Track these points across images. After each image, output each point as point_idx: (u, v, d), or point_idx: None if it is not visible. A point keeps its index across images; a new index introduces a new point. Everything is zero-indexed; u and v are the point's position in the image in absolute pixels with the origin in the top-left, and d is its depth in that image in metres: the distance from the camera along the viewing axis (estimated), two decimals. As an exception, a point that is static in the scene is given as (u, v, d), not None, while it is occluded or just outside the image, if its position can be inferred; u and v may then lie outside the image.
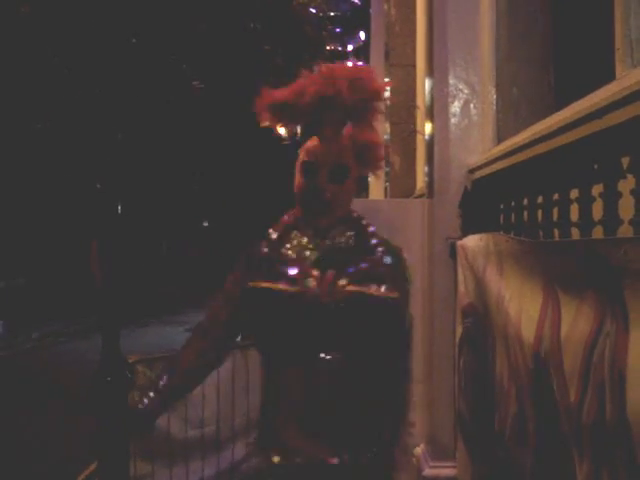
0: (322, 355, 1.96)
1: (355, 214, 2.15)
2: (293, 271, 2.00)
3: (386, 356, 2.07)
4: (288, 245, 2.09)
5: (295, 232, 2.11)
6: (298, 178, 2.04)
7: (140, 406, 2.14)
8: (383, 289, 1.98)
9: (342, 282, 1.96)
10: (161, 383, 2.16)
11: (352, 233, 2.10)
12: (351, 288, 1.95)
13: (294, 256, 2.05)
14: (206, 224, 28.11)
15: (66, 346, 14.14)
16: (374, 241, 2.09)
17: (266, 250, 2.09)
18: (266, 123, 2.11)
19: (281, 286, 1.97)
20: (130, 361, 4.40)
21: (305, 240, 2.08)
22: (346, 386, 1.98)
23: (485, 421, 2.55)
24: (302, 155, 2.07)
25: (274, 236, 2.12)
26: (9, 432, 7.11)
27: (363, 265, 2.00)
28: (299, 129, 2.19)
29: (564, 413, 1.62)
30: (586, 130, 1.86)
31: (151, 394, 2.14)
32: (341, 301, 1.94)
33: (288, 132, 2.27)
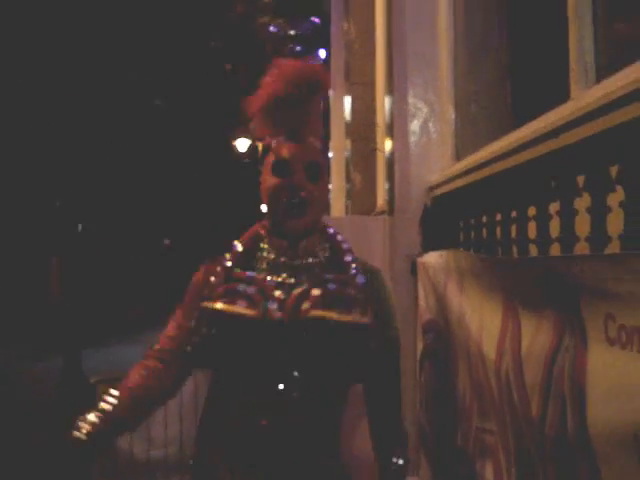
0: (280, 387, 1.82)
1: (331, 229, 2.04)
2: (252, 290, 1.83)
3: (354, 384, 1.98)
4: (253, 260, 1.95)
5: (263, 244, 1.97)
6: (269, 180, 1.89)
7: (81, 431, 1.82)
8: (353, 314, 1.83)
9: (306, 305, 1.81)
10: (104, 406, 1.88)
11: (326, 246, 1.99)
12: (316, 313, 1.80)
13: (256, 273, 1.89)
14: (167, 242, 27.93)
15: (26, 367, 13.91)
16: (348, 258, 1.96)
17: (229, 264, 1.92)
18: (262, 135, 1.97)
19: (238, 308, 1.81)
20: (92, 381, 4.35)
21: (273, 255, 1.94)
22: (303, 422, 1.85)
23: (447, 437, 2.57)
24: (273, 155, 1.91)
25: (239, 249, 1.97)
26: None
27: (332, 287, 1.85)
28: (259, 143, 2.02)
29: (526, 427, 1.65)
30: (543, 149, 1.91)
31: (93, 418, 1.85)
32: (303, 327, 1.80)
33: (252, 147, 2.32)
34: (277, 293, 1.86)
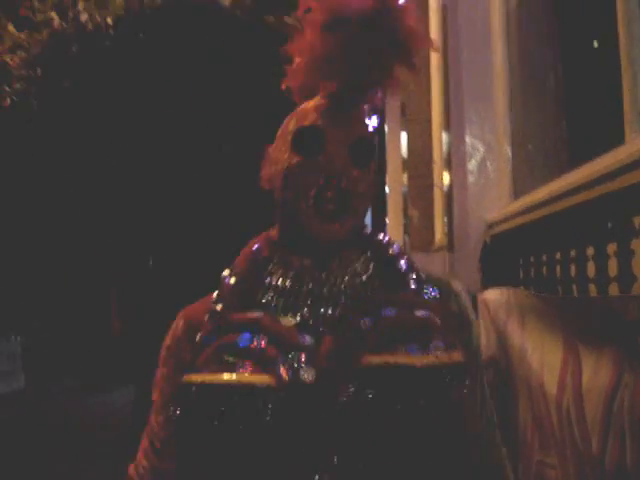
0: (316, 477, 1.08)
1: (367, 229, 1.39)
2: (263, 342, 1.13)
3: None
4: (256, 293, 1.26)
5: (272, 266, 1.30)
6: (288, 158, 1.26)
7: None
8: (432, 350, 1.13)
9: (353, 351, 1.12)
10: None
11: (368, 257, 1.32)
12: (371, 360, 1.10)
13: (263, 313, 1.19)
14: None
15: (87, 399, 14.21)
16: (403, 265, 1.30)
17: (218, 307, 1.24)
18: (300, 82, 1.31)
19: (242, 377, 1.10)
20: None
21: (289, 281, 1.27)
22: None
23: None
24: (295, 119, 1.31)
25: (231, 281, 1.28)
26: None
27: (389, 312, 1.16)
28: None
29: (587, 462, 1.70)
30: (599, 191, 1.98)
31: None
32: (351, 387, 1.09)
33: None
34: (303, 340, 1.16)
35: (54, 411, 12.69)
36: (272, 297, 1.25)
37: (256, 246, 1.34)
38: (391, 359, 1.10)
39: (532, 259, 2.78)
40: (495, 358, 2.84)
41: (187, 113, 4.71)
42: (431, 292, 1.28)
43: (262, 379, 1.09)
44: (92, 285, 21.34)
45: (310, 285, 1.25)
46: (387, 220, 8.47)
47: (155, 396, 1.35)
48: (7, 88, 4.66)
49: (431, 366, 1.11)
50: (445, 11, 4.18)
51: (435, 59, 5.76)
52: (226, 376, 1.10)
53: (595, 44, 3.59)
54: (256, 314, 1.18)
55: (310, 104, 1.29)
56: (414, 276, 1.28)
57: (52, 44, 4.34)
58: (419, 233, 6.22)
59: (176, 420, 1.19)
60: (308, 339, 1.15)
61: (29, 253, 21.34)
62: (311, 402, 1.08)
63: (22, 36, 4.59)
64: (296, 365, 1.10)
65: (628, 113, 2.04)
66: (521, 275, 2.95)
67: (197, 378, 1.14)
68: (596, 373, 1.67)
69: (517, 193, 3.49)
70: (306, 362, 1.11)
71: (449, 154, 3.94)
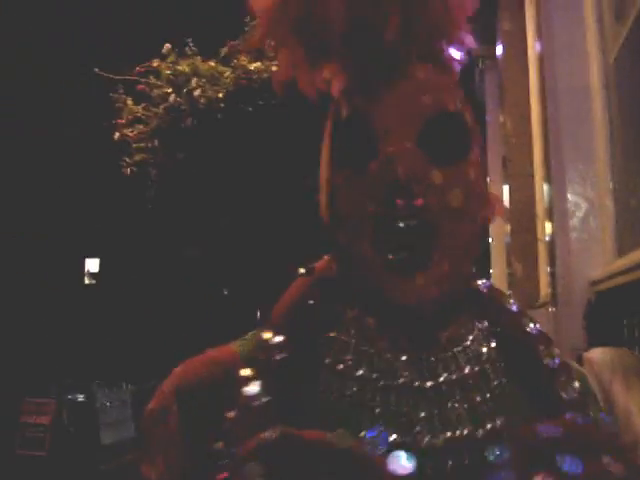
0: None
1: (484, 283, 0.95)
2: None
3: None
4: (324, 371, 0.83)
5: (336, 334, 0.86)
6: (327, 179, 0.87)
7: None
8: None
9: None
10: None
11: (487, 332, 0.89)
12: None
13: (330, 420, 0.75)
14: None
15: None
16: (542, 348, 0.89)
17: (252, 392, 0.77)
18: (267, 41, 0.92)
19: None
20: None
21: (364, 362, 0.83)
22: None
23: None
24: (331, 119, 0.89)
25: (278, 339, 0.82)
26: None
27: (571, 463, 0.71)
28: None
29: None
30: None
31: None
32: None
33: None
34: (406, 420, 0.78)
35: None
36: (347, 376, 0.82)
37: (303, 290, 0.89)
38: None
39: (637, 319, 2.76)
40: (602, 419, 2.82)
41: (283, 174, 4.95)
42: (574, 382, 0.86)
43: None
44: (201, 337, 21.92)
45: (401, 380, 0.80)
46: (491, 271, 8.42)
47: None
48: (127, 159, 5.00)
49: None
50: (543, 69, 4.22)
51: (536, 116, 5.79)
52: None
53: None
54: (332, 438, 0.70)
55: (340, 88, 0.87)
56: (561, 368, 0.85)
57: (168, 118, 4.65)
58: (523, 287, 6.17)
59: None
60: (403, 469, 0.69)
61: (141, 305, 22.23)
62: None
63: (140, 110, 4.93)
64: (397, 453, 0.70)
65: None
66: (625, 334, 2.93)
67: None
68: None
69: (621, 250, 3.47)
70: (409, 447, 0.73)
71: (551, 211, 3.94)
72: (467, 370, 0.83)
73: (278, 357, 0.79)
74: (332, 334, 0.85)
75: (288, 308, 0.86)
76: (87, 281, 22.14)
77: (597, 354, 2.96)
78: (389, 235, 0.78)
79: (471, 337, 0.87)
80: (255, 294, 6.42)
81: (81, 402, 13.27)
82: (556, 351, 0.90)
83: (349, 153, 0.83)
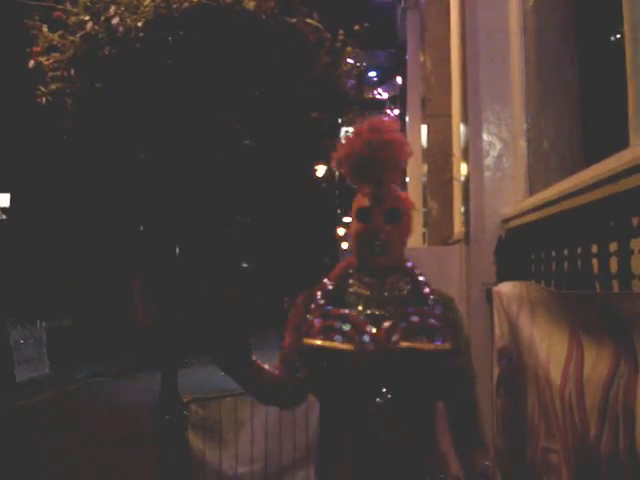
0: (377, 400, 2.05)
1: (409, 263, 2.27)
2: (347, 327, 2.07)
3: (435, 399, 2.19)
4: (344, 295, 2.20)
5: (352, 281, 2.23)
6: (355, 224, 2.19)
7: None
8: (435, 343, 2.06)
9: (395, 338, 2.04)
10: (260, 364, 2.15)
11: (407, 280, 2.22)
12: (404, 344, 2.03)
13: (348, 311, 2.13)
14: (245, 265, 28.54)
15: (111, 386, 14.48)
16: (426, 290, 2.19)
17: (322, 302, 2.19)
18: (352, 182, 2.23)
19: (336, 344, 2.05)
20: (185, 400, 4.66)
21: (363, 290, 2.19)
22: (397, 425, 2.06)
23: (519, 455, 2.74)
24: (357, 203, 2.21)
25: (330, 287, 2.24)
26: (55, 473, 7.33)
27: (415, 319, 2.08)
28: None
29: (585, 447, 1.82)
30: (603, 192, 2.09)
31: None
32: (393, 356, 2.03)
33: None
34: (369, 328, 2.09)
35: (72, 398, 13.00)
36: (352, 297, 2.19)
37: (342, 267, 2.30)
38: (414, 345, 2.05)
39: (542, 255, 2.90)
40: (508, 347, 2.97)
41: (206, 110, 4.85)
42: (438, 309, 2.16)
43: (346, 346, 2.05)
44: (117, 276, 21.64)
45: (373, 293, 2.18)
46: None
47: (286, 334, 2.27)
48: (43, 88, 4.82)
49: (434, 350, 2.07)
50: (464, 10, 4.27)
51: (455, 57, 5.86)
52: (328, 343, 2.07)
53: (611, 41, 3.67)
54: (345, 310, 2.14)
55: (363, 194, 2.20)
56: (432, 297, 2.18)
57: (85, 47, 4.48)
58: (438, 225, 6.33)
59: (299, 363, 2.18)
60: (371, 327, 2.09)
61: (56, 242, 21.69)
62: (372, 361, 2.05)
63: (56, 38, 4.74)
64: (365, 341, 2.06)
65: (632, 120, 2.14)
66: (533, 269, 3.07)
67: (311, 342, 2.10)
68: (596, 364, 1.79)
69: (532, 190, 3.60)
70: (370, 340, 2.07)
71: (467, 150, 4.04)
72: (395, 294, 2.20)
73: (330, 287, 2.25)
74: (350, 281, 2.25)
75: (335, 273, 2.29)
76: (-2, 216, 21.36)
77: (506, 288, 3.10)
78: (371, 247, 2.14)
79: (400, 283, 2.22)
80: (171, 231, 6.35)
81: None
82: (426, 286, 2.23)
83: (360, 217, 2.18)
